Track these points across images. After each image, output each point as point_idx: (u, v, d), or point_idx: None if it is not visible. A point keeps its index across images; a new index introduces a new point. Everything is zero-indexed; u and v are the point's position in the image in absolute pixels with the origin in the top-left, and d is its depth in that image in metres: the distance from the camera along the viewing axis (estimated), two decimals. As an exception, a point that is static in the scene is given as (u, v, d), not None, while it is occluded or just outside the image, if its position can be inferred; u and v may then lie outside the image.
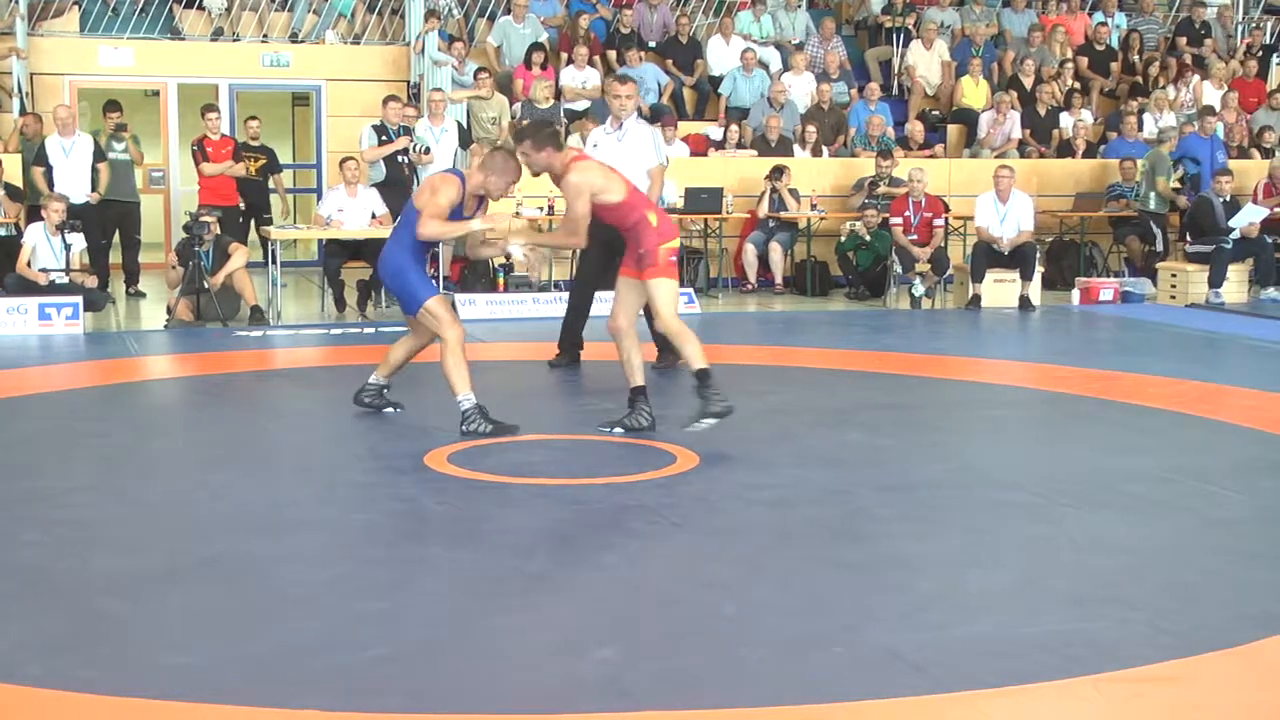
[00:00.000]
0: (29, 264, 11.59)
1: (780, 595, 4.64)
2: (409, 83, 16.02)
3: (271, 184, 14.64)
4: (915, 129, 16.27)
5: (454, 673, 3.91)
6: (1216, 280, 13.74)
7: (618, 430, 7.10)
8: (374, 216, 12.54)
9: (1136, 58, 18.41)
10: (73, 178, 12.97)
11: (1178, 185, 15.28)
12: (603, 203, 7.04)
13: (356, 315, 12.37)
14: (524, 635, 4.24)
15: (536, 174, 7.30)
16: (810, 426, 7.70)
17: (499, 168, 7.09)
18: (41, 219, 11.89)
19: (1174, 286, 14.07)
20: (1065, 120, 16.72)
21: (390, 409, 7.72)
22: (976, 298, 13.28)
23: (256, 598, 4.56)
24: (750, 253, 14.65)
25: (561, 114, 15.26)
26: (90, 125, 14.26)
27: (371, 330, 11.47)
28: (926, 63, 17.34)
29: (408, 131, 13.38)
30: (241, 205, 14.09)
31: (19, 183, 13.32)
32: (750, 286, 14.66)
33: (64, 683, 3.75)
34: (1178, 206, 15.21)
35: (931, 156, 15.90)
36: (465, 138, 14.28)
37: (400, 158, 13.25)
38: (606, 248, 8.76)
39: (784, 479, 6.31)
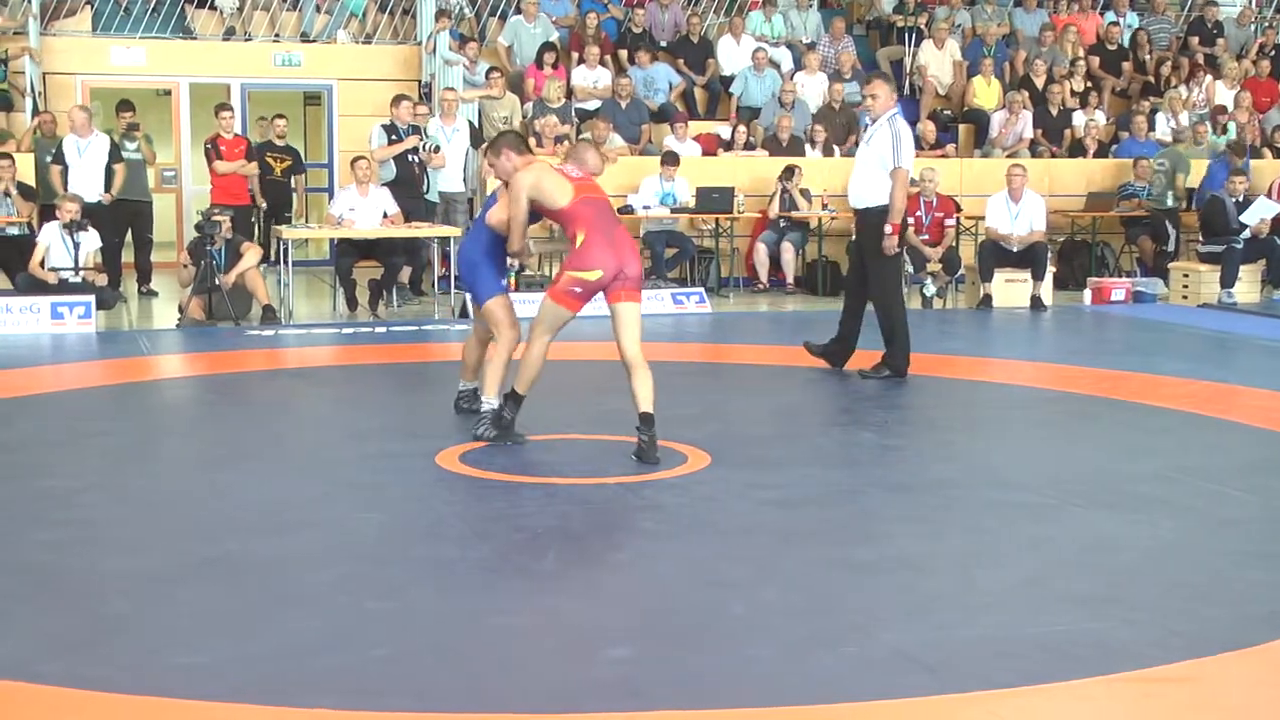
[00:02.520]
0: (42, 263, 11.62)
1: (790, 595, 4.64)
2: (420, 82, 16.03)
3: (293, 184, 14.73)
4: (927, 129, 16.23)
5: (463, 672, 3.92)
6: (1228, 280, 13.71)
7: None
8: (385, 216, 12.55)
9: (1148, 57, 18.38)
10: (87, 177, 13.00)
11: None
12: (546, 207, 6.88)
13: (368, 315, 12.38)
14: (533, 635, 4.25)
15: (502, 180, 7.11)
16: (820, 426, 7.70)
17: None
18: (56, 218, 11.92)
19: (1186, 287, 14.04)
20: (1077, 120, 16.70)
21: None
22: (987, 297, 13.27)
23: (266, 597, 4.57)
24: (762, 252, 14.64)
25: (573, 113, 15.26)
26: (102, 125, 14.28)
27: (383, 330, 11.48)
28: (938, 62, 17.32)
29: (417, 130, 13.40)
30: (263, 205, 14.14)
31: (32, 181, 13.35)
32: (762, 286, 14.64)
33: (74, 681, 3.76)
34: (1176, 208, 15.18)
35: (943, 156, 15.87)
36: (476, 137, 14.30)
37: (411, 157, 13.27)
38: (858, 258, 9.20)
39: (794, 479, 6.31)
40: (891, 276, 9.33)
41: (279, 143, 14.46)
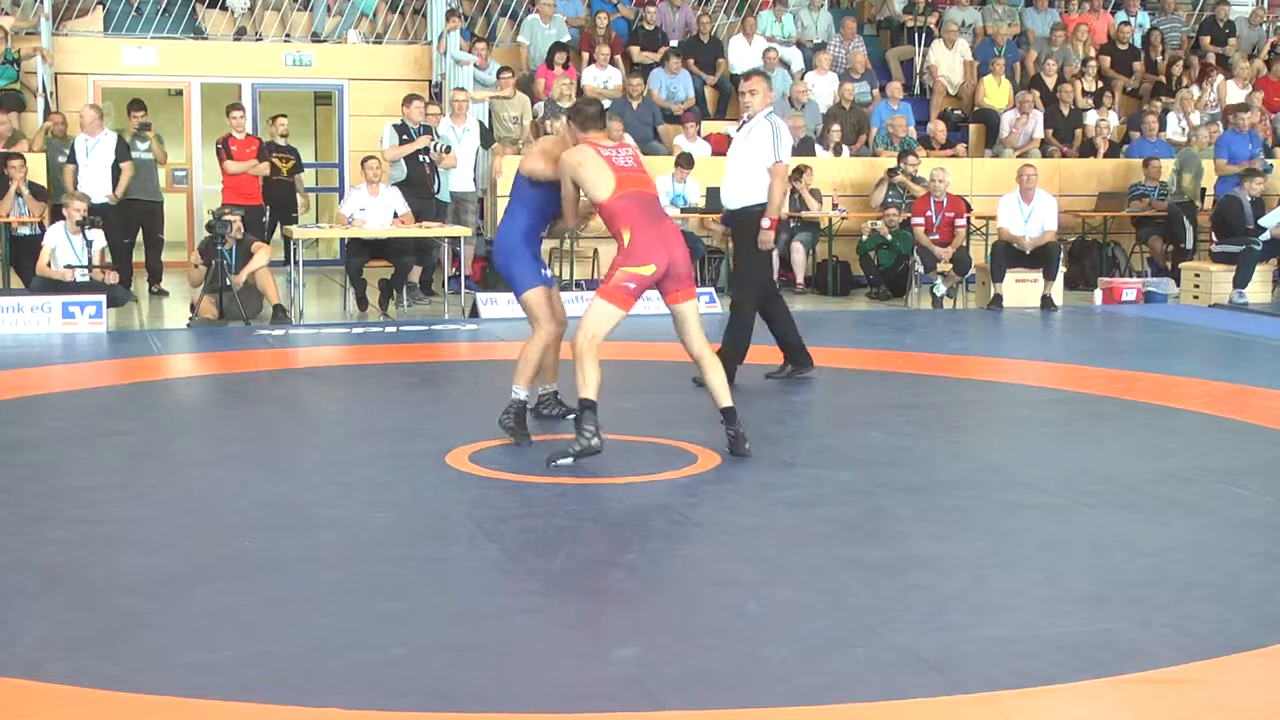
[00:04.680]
0: (49, 264, 11.64)
1: (801, 595, 4.64)
2: (431, 82, 16.04)
3: (297, 183, 14.75)
4: (937, 129, 16.23)
5: (474, 672, 3.92)
6: (1242, 281, 13.64)
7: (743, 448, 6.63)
8: (396, 215, 12.56)
9: (1159, 57, 18.35)
10: (93, 177, 13.03)
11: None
12: (589, 196, 6.66)
13: (378, 314, 12.39)
14: (545, 635, 4.24)
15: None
16: (831, 427, 7.69)
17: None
18: (63, 218, 11.95)
19: (1197, 287, 14.00)
20: (1089, 119, 16.68)
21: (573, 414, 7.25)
22: (998, 297, 13.25)
23: (278, 596, 4.57)
24: (771, 252, 14.61)
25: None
26: (114, 124, 14.31)
27: (393, 329, 11.49)
28: (948, 62, 17.30)
29: (429, 130, 13.40)
30: (266, 206, 14.14)
31: (43, 182, 13.38)
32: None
33: (87, 680, 3.76)
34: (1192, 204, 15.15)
35: (953, 156, 15.86)
36: (487, 137, 14.30)
37: (421, 157, 13.27)
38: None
39: (805, 479, 6.31)
40: (759, 278, 8.99)
41: (282, 142, 14.48)
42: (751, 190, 8.69)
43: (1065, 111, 16.67)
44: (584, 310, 6.55)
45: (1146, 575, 4.91)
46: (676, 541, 5.36)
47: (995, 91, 16.96)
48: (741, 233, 8.87)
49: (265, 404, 8.58)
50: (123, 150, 13.28)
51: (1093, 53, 17.89)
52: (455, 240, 12.91)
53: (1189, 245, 15.04)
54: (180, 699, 3.65)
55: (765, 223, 8.63)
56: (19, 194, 12.75)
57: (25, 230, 12.88)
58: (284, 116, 14.99)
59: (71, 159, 13.10)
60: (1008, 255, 13.35)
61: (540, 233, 7.18)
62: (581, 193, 6.75)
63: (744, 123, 8.94)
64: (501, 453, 6.72)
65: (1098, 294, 13.98)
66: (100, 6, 16.31)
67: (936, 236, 13.58)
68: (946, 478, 6.40)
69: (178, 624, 4.29)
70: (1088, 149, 16.48)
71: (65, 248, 11.73)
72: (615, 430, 7.10)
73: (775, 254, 9.02)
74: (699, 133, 15.21)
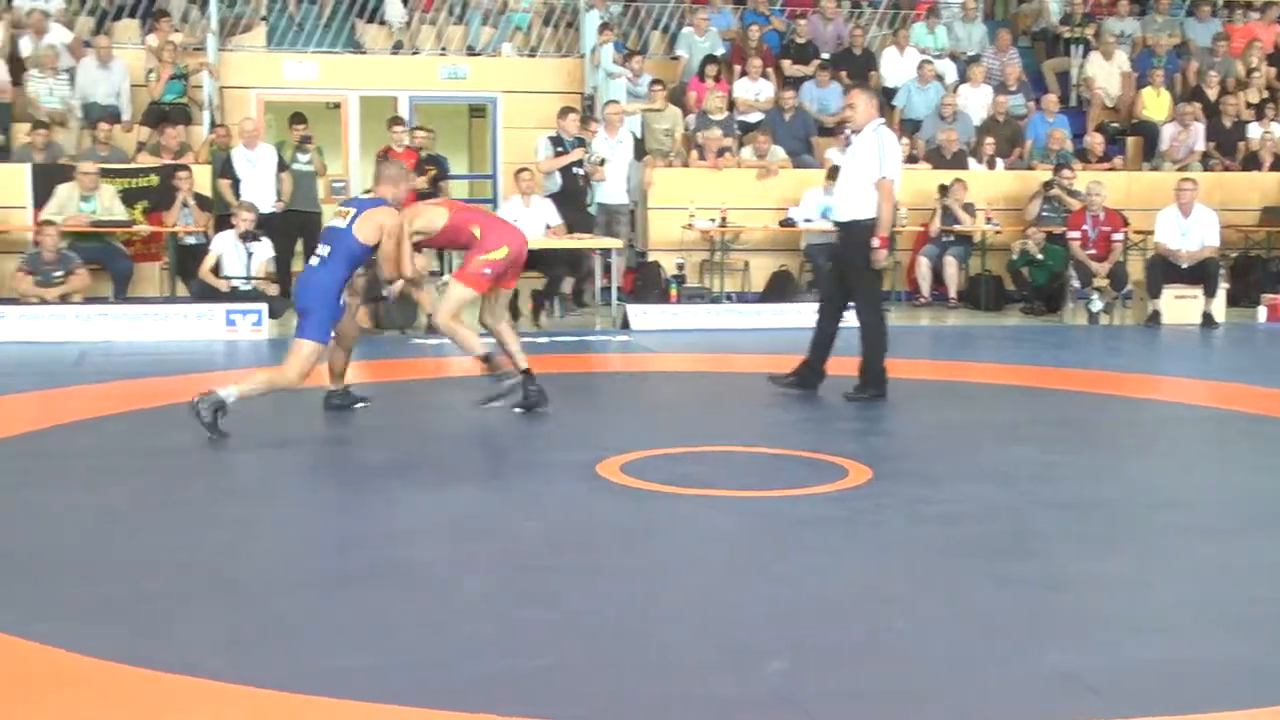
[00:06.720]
0: (214, 270, 11.96)
1: (950, 611, 4.59)
2: (583, 95, 16.18)
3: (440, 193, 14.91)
4: (1094, 141, 15.96)
5: (622, 682, 3.93)
6: None
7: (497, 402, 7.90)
8: (548, 227, 12.68)
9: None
10: (259, 187, 13.38)
11: None
12: (429, 236, 7.61)
13: (531, 325, 12.51)
14: (693, 646, 4.25)
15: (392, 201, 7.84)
16: (982, 442, 7.60)
17: (393, 176, 7.95)
18: (230, 227, 12.28)
19: (1367, 304, 13.61)
20: (1253, 131, 16.27)
21: (360, 404, 8.32)
22: (1156, 314, 12.99)
23: (429, 603, 4.63)
24: (924, 266, 14.52)
25: (735, 126, 15.27)
26: (275, 137, 14.67)
27: (545, 340, 11.59)
28: (1106, 74, 17.01)
29: (582, 143, 13.52)
30: None
31: (209, 193, 13.76)
32: (923, 300, 14.52)
33: (244, 678, 3.85)
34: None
35: (1110, 169, 15.59)
36: (639, 150, 14.38)
37: (575, 169, 13.38)
38: (839, 274, 8.79)
39: (955, 494, 6.24)
40: (876, 294, 8.89)
41: (422, 153, 14.60)
42: (858, 204, 8.59)
43: (1228, 124, 16.30)
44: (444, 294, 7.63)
45: (1309, 600, 4.78)
46: (826, 555, 5.34)
47: (1154, 103, 16.64)
48: (849, 247, 8.74)
49: (418, 412, 8.71)
50: (281, 161, 13.62)
51: (1261, 63, 17.43)
52: (606, 252, 12.99)
53: None
54: (332, 700, 3.70)
55: (875, 242, 8.51)
56: (185, 204, 13.14)
57: (190, 239, 13.26)
58: (421, 129, 15.09)
59: (227, 173, 13.46)
60: (1165, 271, 13.09)
61: (346, 284, 7.83)
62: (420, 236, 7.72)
63: (850, 137, 9.04)
64: (652, 464, 6.75)
65: (1261, 311, 13.64)
66: (263, 22, 16.72)
67: (1093, 251, 13.36)
68: (1098, 496, 6.29)
69: (331, 627, 4.36)
70: (1251, 162, 16.09)
71: (232, 255, 12.06)
72: (766, 444, 7.10)
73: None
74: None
